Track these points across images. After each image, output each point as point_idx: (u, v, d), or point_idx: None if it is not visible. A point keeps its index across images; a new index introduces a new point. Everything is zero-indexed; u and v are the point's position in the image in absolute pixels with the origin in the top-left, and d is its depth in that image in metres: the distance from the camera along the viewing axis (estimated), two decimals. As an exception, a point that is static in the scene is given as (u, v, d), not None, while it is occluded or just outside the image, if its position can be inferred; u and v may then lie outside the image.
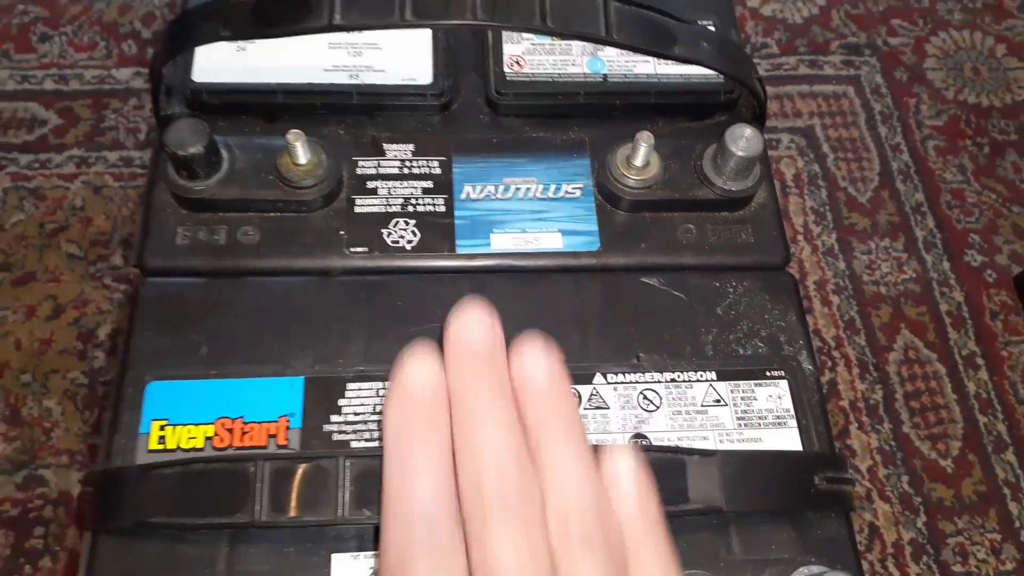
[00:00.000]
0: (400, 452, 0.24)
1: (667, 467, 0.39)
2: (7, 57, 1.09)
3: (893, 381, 1.07)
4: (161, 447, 0.42)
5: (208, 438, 0.42)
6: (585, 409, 0.44)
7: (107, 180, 1.03)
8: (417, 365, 0.25)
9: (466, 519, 0.23)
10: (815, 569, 0.40)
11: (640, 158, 0.48)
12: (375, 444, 0.41)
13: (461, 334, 0.26)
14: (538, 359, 0.26)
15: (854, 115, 1.27)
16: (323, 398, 0.44)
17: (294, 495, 0.37)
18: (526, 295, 0.47)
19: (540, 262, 0.48)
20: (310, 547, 0.40)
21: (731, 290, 0.49)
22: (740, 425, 0.45)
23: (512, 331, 0.27)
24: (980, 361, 1.10)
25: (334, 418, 0.43)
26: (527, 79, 0.51)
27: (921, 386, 1.07)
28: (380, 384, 0.44)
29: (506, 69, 0.51)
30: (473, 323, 0.26)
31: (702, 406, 0.45)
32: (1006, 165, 1.26)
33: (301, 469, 0.37)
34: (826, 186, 1.21)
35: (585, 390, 0.45)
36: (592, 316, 0.47)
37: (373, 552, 0.40)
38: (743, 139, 0.47)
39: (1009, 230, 1.20)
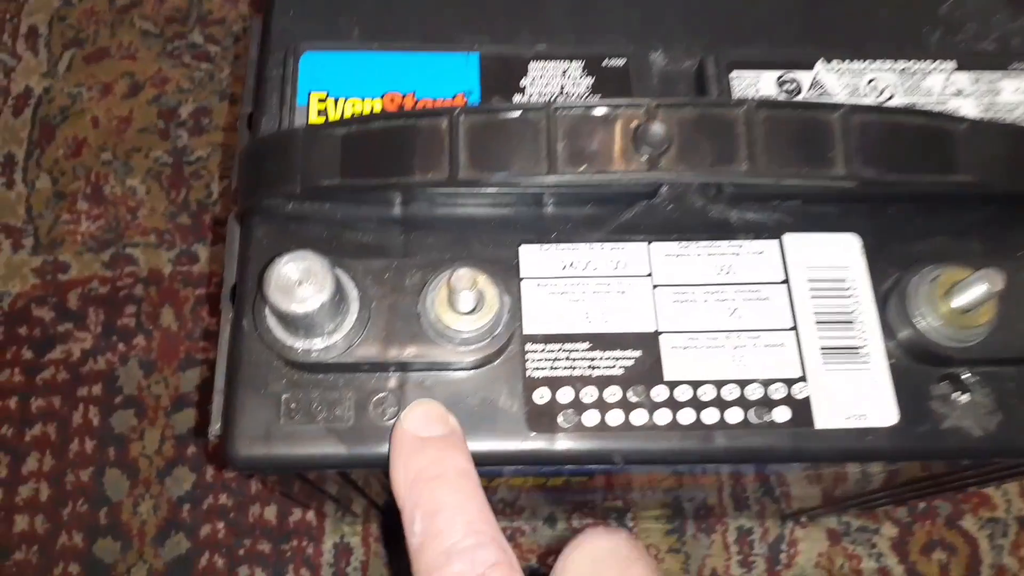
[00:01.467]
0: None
1: (930, 133, 0.35)
2: None
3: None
4: (322, 120, 0.39)
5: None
6: (807, 95, 0.40)
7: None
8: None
9: None
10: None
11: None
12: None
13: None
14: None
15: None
16: (503, 77, 0.40)
17: (498, 150, 0.34)
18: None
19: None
20: (495, 236, 0.38)
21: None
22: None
23: None
24: None
25: (517, 99, 0.40)
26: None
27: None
28: (567, 64, 0.41)
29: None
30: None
31: (939, 98, 0.41)
32: None
33: (504, 121, 0.34)
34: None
35: (805, 77, 0.41)
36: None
37: (566, 244, 0.37)
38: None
39: None
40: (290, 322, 0.31)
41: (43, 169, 0.90)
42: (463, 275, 0.31)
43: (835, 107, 0.34)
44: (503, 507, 0.74)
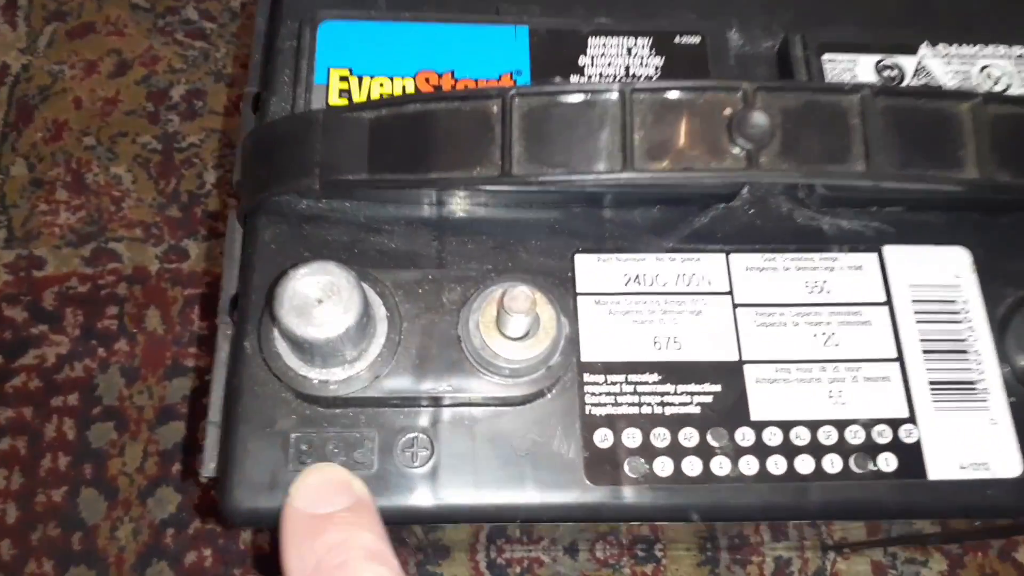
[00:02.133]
0: None
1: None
2: None
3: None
4: (344, 102, 0.34)
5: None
6: (911, 79, 0.35)
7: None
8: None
9: None
10: None
11: None
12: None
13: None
14: None
15: None
16: (558, 54, 0.36)
17: (562, 140, 0.29)
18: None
19: None
20: (546, 243, 0.33)
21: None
22: None
23: None
24: None
25: (575, 79, 0.35)
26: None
27: None
28: (632, 41, 0.36)
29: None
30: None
31: (1068, 92, 0.36)
32: None
33: (568, 105, 0.29)
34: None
35: (908, 62, 0.36)
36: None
37: (629, 255, 0.33)
38: None
39: None
40: (306, 349, 0.26)
41: (19, 154, 0.85)
42: (520, 296, 0.26)
43: (964, 95, 0.30)
44: (519, 534, 0.69)
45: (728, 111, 0.28)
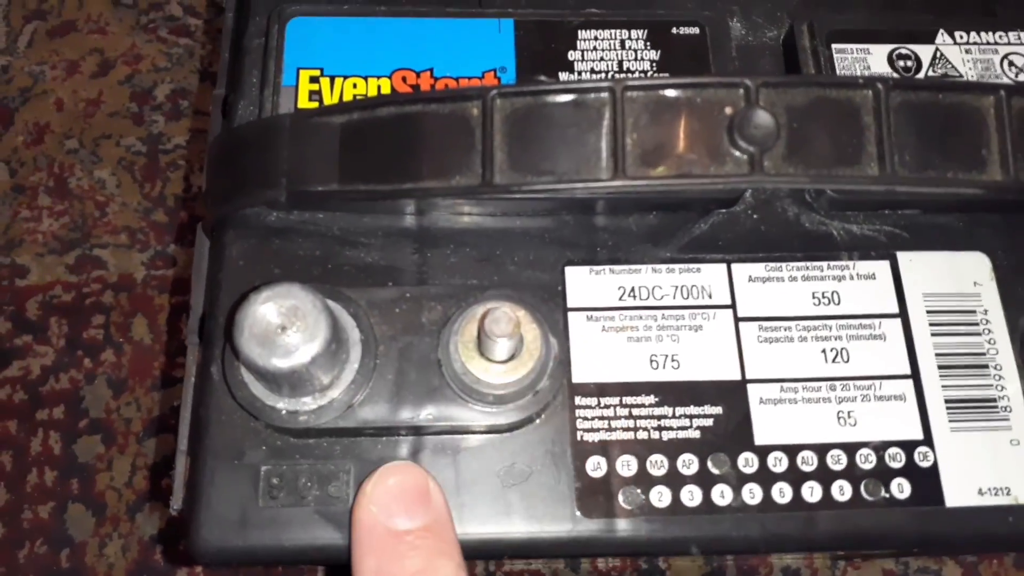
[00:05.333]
0: None
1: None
2: None
3: None
4: (315, 105, 0.33)
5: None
6: (928, 71, 0.34)
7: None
8: None
9: None
10: None
11: None
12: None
13: None
14: None
15: None
16: (545, 49, 0.34)
17: (547, 145, 0.27)
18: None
19: None
20: (533, 254, 0.31)
21: None
22: None
23: None
24: None
25: (564, 76, 0.34)
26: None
27: None
28: (625, 33, 0.34)
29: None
30: None
31: (1096, 82, 0.34)
32: None
33: (554, 106, 0.27)
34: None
35: (924, 52, 0.34)
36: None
37: (624, 266, 0.31)
38: None
39: None
40: (271, 378, 0.25)
41: (0, 159, 0.84)
42: (502, 318, 0.25)
43: (987, 88, 0.28)
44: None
45: (729, 110, 0.27)
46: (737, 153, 0.26)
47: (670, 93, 0.27)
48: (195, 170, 0.84)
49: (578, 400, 0.29)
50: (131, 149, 0.84)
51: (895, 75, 0.34)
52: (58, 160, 0.84)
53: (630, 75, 0.34)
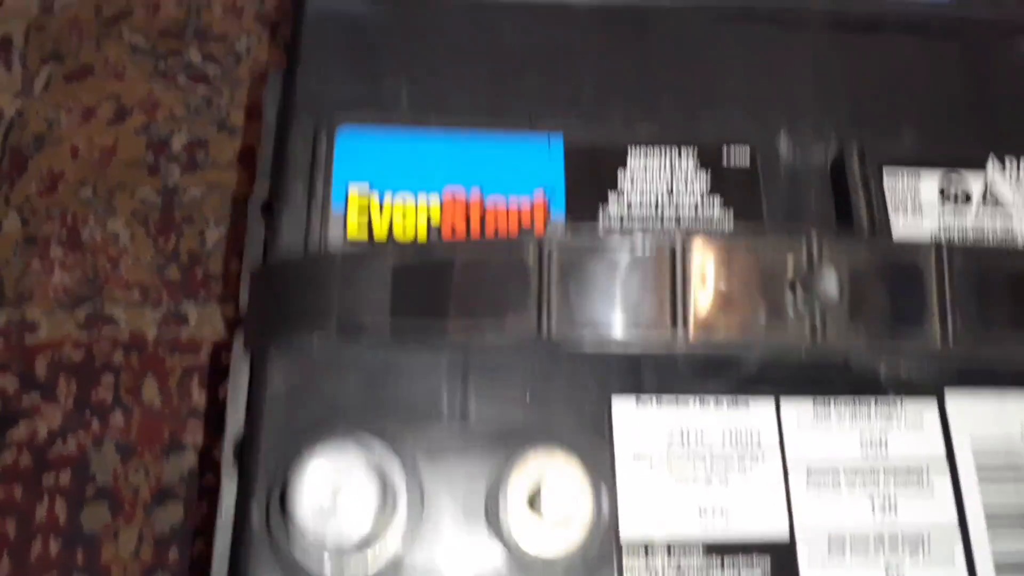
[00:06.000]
0: None
1: None
2: None
3: None
4: (364, 233, 0.33)
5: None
6: (978, 206, 0.34)
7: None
8: None
9: None
10: None
11: None
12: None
13: None
14: None
15: None
16: (594, 169, 0.34)
17: (605, 297, 0.27)
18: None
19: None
20: (579, 384, 0.31)
21: None
22: None
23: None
24: None
25: (613, 199, 0.34)
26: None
27: None
28: (674, 152, 0.35)
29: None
30: None
31: None
32: None
33: (612, 257, 0.27)
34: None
35: (975, 182, 0.34)
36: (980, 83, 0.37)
37: (670, 396, 0.31)
38: None
39: None
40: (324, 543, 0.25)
41: (12, 207, 0.84)
42: (556, 488, 0.24)
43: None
44: None
45: (791, 265, 0.26)
46: (802, 316, 0.26)
47: (733, 245, 0.27)
48: (211, 224, 0.84)
49: (627, 561, 0.28)
50: (146, 201, 0.84)
51: (947, 209, 0.34)
52: (71, 210, 0.84)
53: (677, 197, 0.34)
